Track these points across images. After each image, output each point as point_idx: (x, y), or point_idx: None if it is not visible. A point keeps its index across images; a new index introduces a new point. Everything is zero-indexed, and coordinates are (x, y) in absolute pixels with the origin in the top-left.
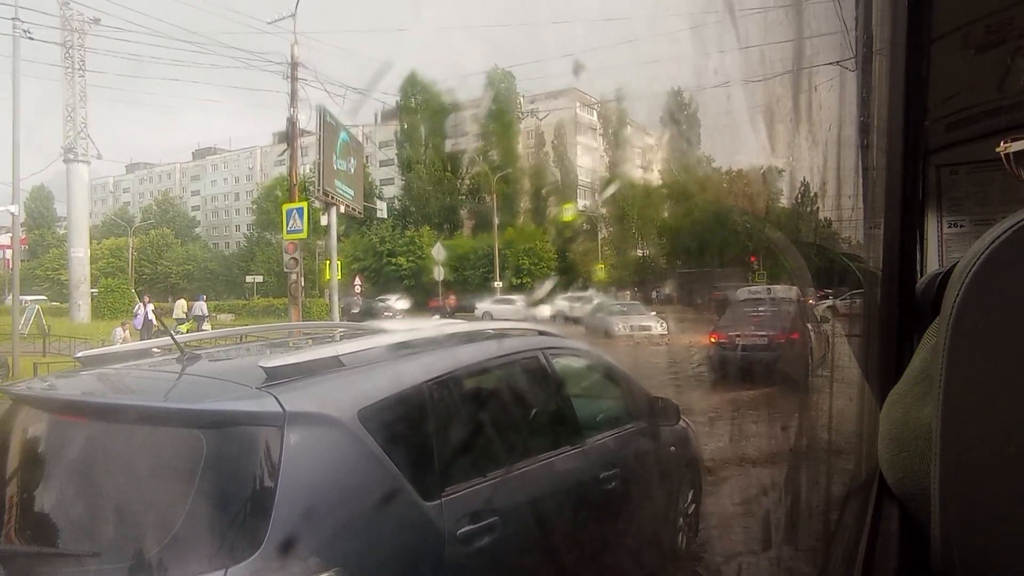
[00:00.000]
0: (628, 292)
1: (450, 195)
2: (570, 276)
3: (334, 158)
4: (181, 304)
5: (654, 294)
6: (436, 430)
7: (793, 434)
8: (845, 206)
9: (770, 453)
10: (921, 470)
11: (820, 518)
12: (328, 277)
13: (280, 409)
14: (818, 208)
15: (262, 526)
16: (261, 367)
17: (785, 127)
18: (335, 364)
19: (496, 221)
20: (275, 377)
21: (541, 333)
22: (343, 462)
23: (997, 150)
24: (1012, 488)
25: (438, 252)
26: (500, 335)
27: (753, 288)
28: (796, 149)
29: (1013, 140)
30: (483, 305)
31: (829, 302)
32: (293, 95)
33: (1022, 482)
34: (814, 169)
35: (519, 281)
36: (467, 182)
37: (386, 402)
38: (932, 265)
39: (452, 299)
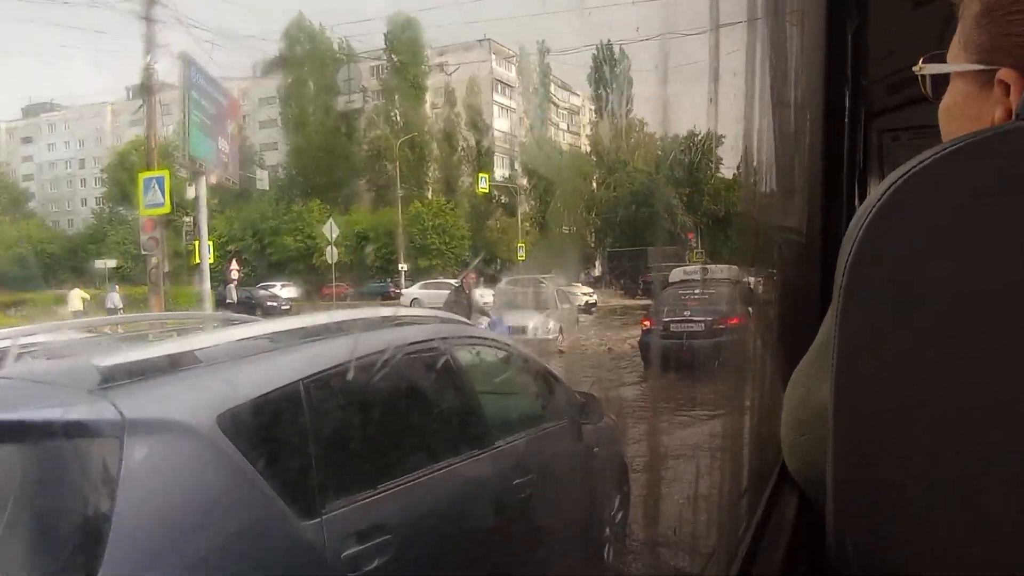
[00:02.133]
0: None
1: (345, 163)
2: (485, 257)
3: (201, 117)
4: (77, 294)
5: (582, 275)
6: (315, 436)
7: (720, 426)
8: (786, 176)
9: (695, 447)
10: (820, 454)
11: (725, 511)
12: (197, 260)
13: (117, 416)
14: (759, 179)
15: (93, 564)
16: (95, 366)
17: (727, 87)
18: (190, 360)
19: (400, 193)
20: (113, 377)
21: (444, 321)
22: (198, 479)
23: (913, 69)
24: (906, 469)
25: (331, 230)
26: (395, 323)
27: (688, 268)
28: (737, 112)
29: (929, 60)
30: (411, 291)
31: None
32: (150, 40)
33: (917, 463)
34: (757, 135)
35: (427, 263)
36: (365, 148)
37: (253, 404)
38: None
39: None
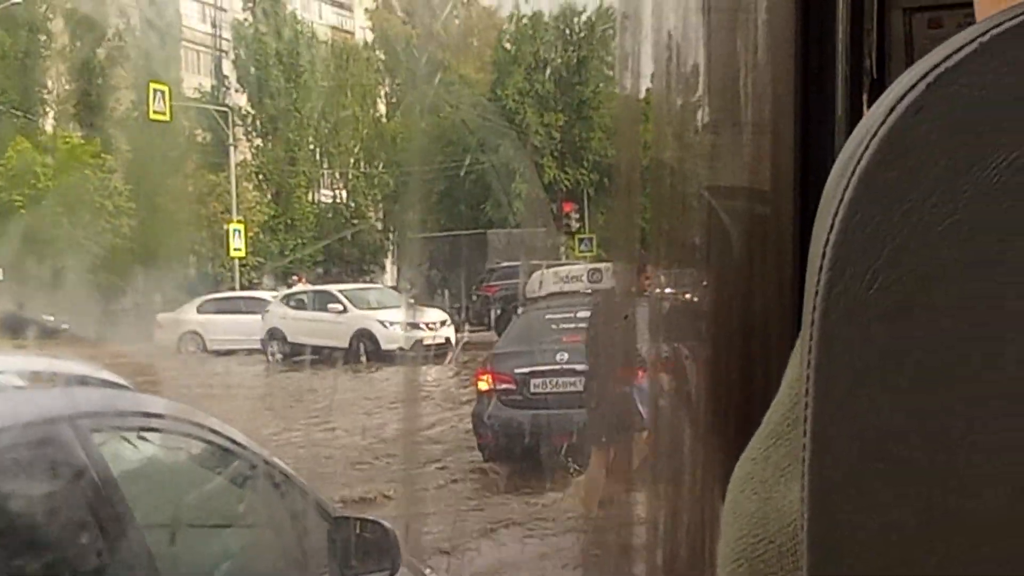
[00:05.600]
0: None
1: None
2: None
3: None
4: None
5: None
6: None
7: None
8: (728, 94)
9: None
10: None
11: None
12: None
13: None
14: (698, 99)
15: None
16: None
17: None
18: None
19: None
20: None
21: (76, 382)
22: None
23: None
24: None
25: None
26: None
27: (565, 270)
28: None
29: None
30: (180, 318)
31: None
32: None
33: None
34: (686, 12)
35: (45, 263)
36: None
37: None
38: None
39: None
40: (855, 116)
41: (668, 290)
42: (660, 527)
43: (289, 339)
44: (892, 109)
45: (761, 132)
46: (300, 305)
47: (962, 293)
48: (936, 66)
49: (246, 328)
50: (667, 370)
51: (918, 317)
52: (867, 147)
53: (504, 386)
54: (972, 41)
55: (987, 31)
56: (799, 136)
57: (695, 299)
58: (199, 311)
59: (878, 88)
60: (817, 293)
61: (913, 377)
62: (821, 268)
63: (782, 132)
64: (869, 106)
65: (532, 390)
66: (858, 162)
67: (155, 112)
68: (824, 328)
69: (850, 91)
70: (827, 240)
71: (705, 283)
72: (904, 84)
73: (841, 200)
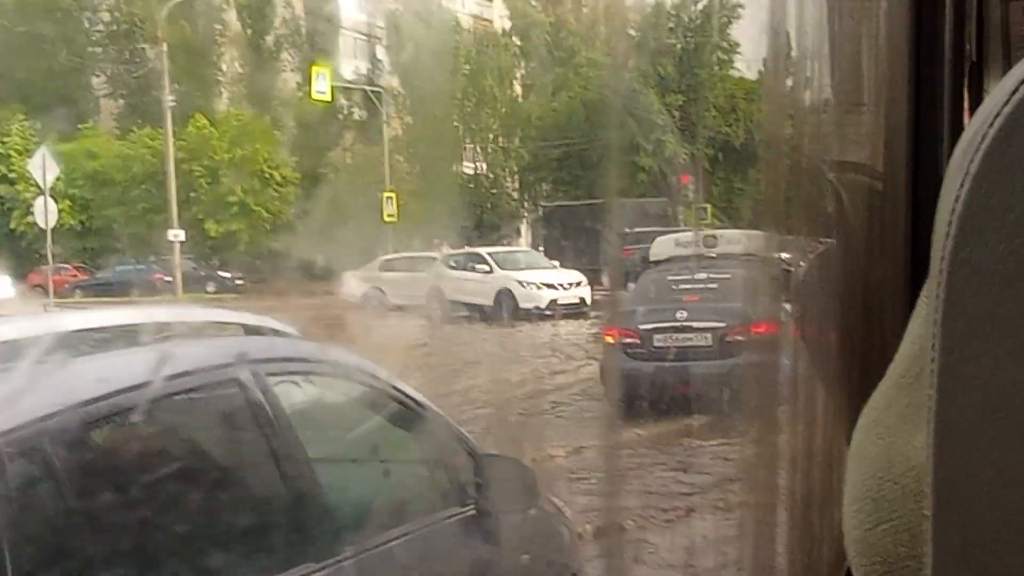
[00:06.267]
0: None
1: (68, 46)
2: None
3: None
4: None
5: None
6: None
7: (737, 516)
8: (848, 77)
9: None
10: (912, 553)
11: None
12: None
13: None
14: (805, 80)
15: None
16: None
17: None
18: None
19: (170, 103)
20: None
21: (251, 331)
22: None
23: None
24: None
25: (43, 168)
26: (159, 336)
27: (683, 237)
28: None
29: None
30: (361, 274)
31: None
32: None
33: None
34: (796, 5)
35: (223, 228)
36: (105, 19)
37: None
38: None
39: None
40: (957, 98)
41: (784, 255)
42: (798, 466)
43: (447, 296)
44: (1015, 91)
45: (877, 112)
46: (458, 266)
47: None
48: None
49: (419, 285)
50: (800, 328)
51: None
52: (992, 124)
53: (629, 340)
54: None
55: None
56: (911, 116)
57: (816, 265)
58: (380, 269)
59: (977, 72)
60: (943, 258)
61: None
62: (948, 235)
63: (896, 113)
64: (970, 89)
65: (655, 344)
66: (983, 139)
67: (317, 93)
68: (951, 290)
69: (953, 74)
70: (953, 209)
71: (827, 246)
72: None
73: (967, 173)
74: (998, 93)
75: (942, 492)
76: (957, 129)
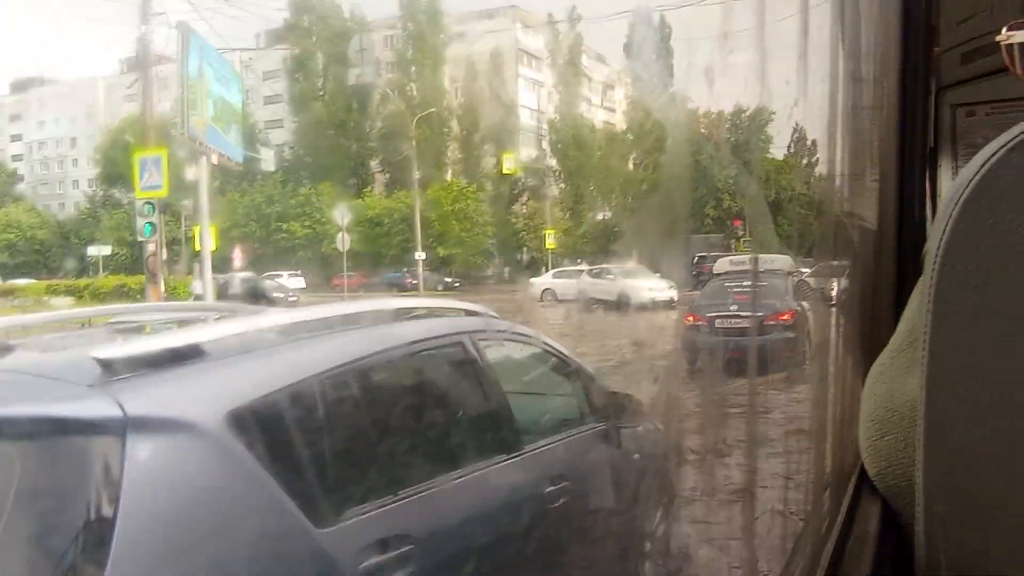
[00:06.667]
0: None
1: (357, 142)
2: (511, 245)
3: (203, 92)
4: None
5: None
6: (332, 438)
7: (773, 429)
8: (857, 157)
9: (747, 453)
10: (906, 457)
11: (791, 520)
12: (199, 248)
13: (119, 412)
14: (816, 160)
15: (96, 571)
16: (94, 358)
17: (776, 58)
18: (195, 354)
19: (416, 175)
20: (113, 371)
21: (469, 313)
22: (207, 481)
23: (998, 39)
24: (1008, 476)
25: (342, 215)
26: (413, 316)
27: (735, 259)
28: (788, 86)
29: (1015, 28)
30: (542, 281)
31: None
32: (145, 8)
33: (1020, 468)
34: (811, 111)
35: (447, 252)
36: (379, 125)
37: (265, 401)
38: None
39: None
40: (923, 172)
41: (804, 270)
42: (829, 410)
43: (589, 295)
44: (984, 164)
45: (870, 178)
46: (595, 276)
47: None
48: (1011, 139)
49: (575, 288)
50: (820, 315)
51: (1005, 274)
52: (967, 186)
53: (700, 323)
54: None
55: None
56: (898, 184)
57: (842, 274)
58: (553, 276)
59: (933, 155)
60: (935, 269)
61: (1002, 320)
62: (937, 255)
63: (888, 180)
64: (930, 172)
65: (716, 325)
66: (960, 195)
67: (506, 169)
68: (939, 289)
69: (922, 156)
70: (941, 238)
71: (846, 265)
72: (991, 148)
73: (950, 217)
74: (969, 168)
75: (930, 416)
76: (923, 192)
